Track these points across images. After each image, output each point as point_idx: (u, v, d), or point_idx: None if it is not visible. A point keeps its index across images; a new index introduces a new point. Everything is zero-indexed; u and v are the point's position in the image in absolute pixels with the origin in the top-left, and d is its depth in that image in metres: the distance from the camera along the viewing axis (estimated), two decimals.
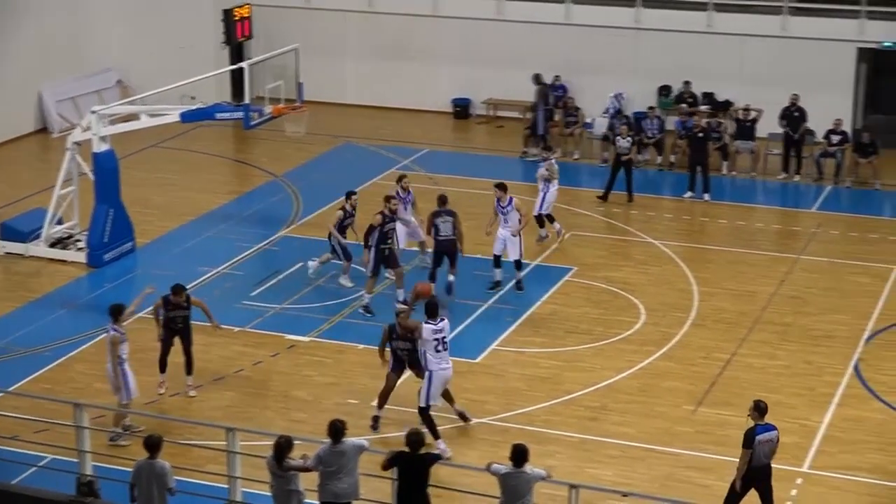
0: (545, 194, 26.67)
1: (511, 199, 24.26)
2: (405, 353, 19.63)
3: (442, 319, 18.93)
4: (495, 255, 24.52)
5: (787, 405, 20.24)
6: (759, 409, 16.37)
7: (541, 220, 26.74)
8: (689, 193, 30.02)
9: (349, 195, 25.05)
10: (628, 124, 31.24)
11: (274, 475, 15.48)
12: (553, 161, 27.03)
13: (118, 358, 18.94)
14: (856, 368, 21.72)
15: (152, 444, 15.50)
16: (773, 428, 16.40)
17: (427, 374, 18.94)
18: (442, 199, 24.21)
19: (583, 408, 20.39)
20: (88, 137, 26.13)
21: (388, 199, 24.09)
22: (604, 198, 29.64)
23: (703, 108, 33.89)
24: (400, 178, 25.81)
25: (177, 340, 20.70)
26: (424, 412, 18.96)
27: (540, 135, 32.60)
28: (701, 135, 30.21)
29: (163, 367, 20.78)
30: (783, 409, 19.99)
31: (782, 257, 26.67)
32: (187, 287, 24.56)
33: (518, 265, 24.44)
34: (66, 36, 35.71)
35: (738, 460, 16.39)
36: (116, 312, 19.16)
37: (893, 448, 19.21)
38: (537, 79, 33.50)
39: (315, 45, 35.27)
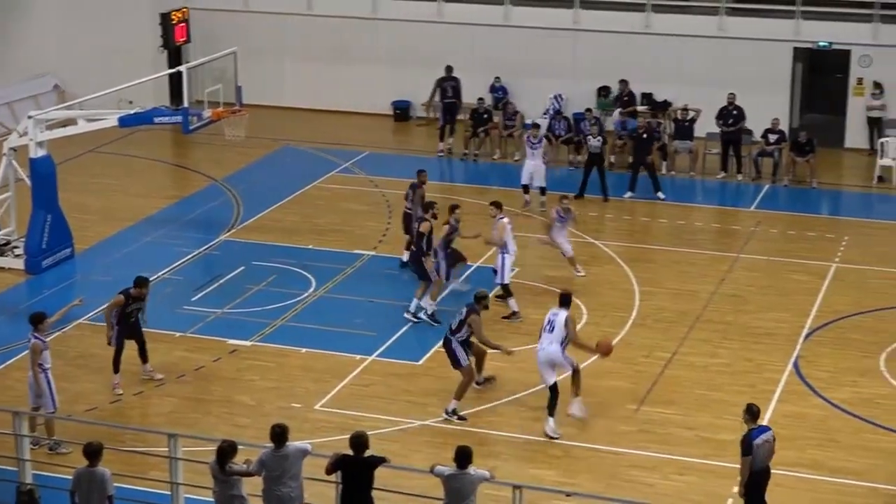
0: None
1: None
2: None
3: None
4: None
5: (729, 403, 20.36)
6: (752, 412, 16.27)
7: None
8: (629, 193, 30.15)
9: (453, 208, 24.02)
10: (598, 124, 31.37)
11: (217, 480, 15.41)
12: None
13: (39, 366, 18.76)
14: (795, 365, 21.91)
15: (92, 452, 15.37)
16: (768, 429, 16.40)
17: None
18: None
19: (526, 408, 20.42)
20: (25, 143, 25.88)
21: (452, 208, 24.02)
22: (579, 196, 29.75)
23: (640, 108, 34.10)
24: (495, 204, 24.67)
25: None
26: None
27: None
28: (645, 136, 30.33)
29: (117, 367, 20.79)
30: (725, 407, 20.15)
31: (722, 256, 26.85)
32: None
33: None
34: (3, 40, 35.38)
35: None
36: (38, 321, 19.00)
37: (833, 444, 19.40)
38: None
39: (254, 48, 35.17)
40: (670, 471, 18.62)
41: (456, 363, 20.21)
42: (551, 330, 19.68)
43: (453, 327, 20.25)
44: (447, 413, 20.13)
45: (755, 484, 16.28)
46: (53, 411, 18.90)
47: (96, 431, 18.19)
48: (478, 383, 20.82)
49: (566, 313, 19.76)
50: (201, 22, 36.91)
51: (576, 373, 19.80)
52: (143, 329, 21.22)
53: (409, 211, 25.62)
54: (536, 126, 30.30)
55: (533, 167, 29.32)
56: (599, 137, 30.11)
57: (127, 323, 20.80)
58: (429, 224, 23.45)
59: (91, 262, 26.58)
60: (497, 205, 24.15)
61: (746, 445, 16.10)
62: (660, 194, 30.06)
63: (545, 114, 34.22)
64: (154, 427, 19.34)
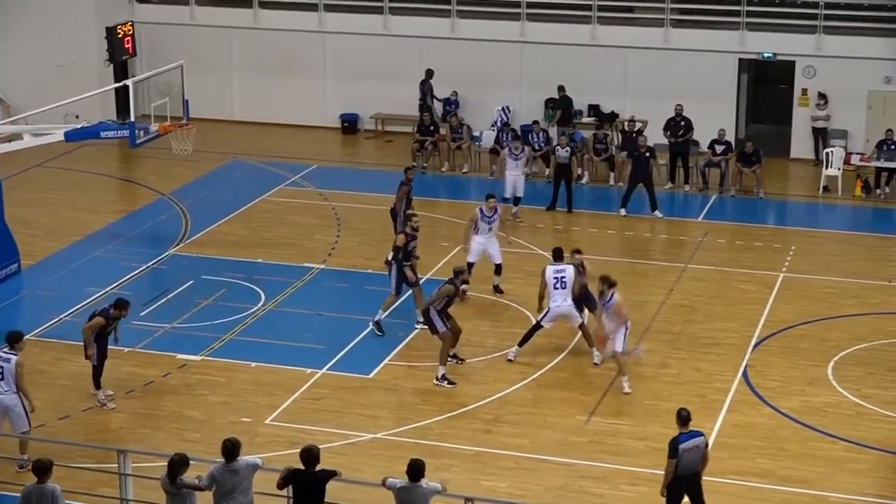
0: None
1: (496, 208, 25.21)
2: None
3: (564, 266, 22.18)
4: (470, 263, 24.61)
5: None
6: (681, 417, 16.53)
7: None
8: (623, 211, 30.06)
9: (409, 217, 24.19)
10: (566, 134, 31.41)
11: (168, 494, 15.34)
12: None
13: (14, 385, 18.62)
14: (744, 375, 22.04)
15: (41, 469, 15.28)
16: (699, 434, 16.54)
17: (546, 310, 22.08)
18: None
19: (477, 420, 20.44)
20: None
21: (409, 217, 24.09)
22: (551, 208, 29.89)
23: (586, 120, 34.27)
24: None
25: None
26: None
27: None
28: (648, 154, 29.97)
29: (98, 383, 20.83)
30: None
31: (670, 266, 27.00)
32: (76, 308, 24.39)
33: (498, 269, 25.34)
34: None
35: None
36: (16, 339, 18.93)
37: (782, 452, 19.52)
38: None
39: (200, 62, 35.03)
40: (621, 481, 18.68)
41: (433, 330, 21.71)
42: (563, 286, 22.14)
43: (431, 298, 21.86)
44: (437, 379, 21.47)
45: (677, 487, 16.46)
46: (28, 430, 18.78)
47: (45, 448, 18.05)
48: (450, 356, 21.90)
49: (571, 266, 22.18)
50: (147, 35, 36.78)
51: (582, 325, 22.41)
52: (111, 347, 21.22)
53: (394, 207, 26.34)
54: (518, 137, 30.74)
55: (514, 178, 29.37)
56: (568, 149, 30.11)
57: (102, 341, 20.80)
58: (403, 237, 23.47)
59: (38, 277, 26.38)
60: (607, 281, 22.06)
61: (672, 448, 16.32)
62: (657, 213, 29.95)
63: (493, 126, 34.30)
64: (103, 443, 19.21)
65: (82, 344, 20.79)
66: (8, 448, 18.83)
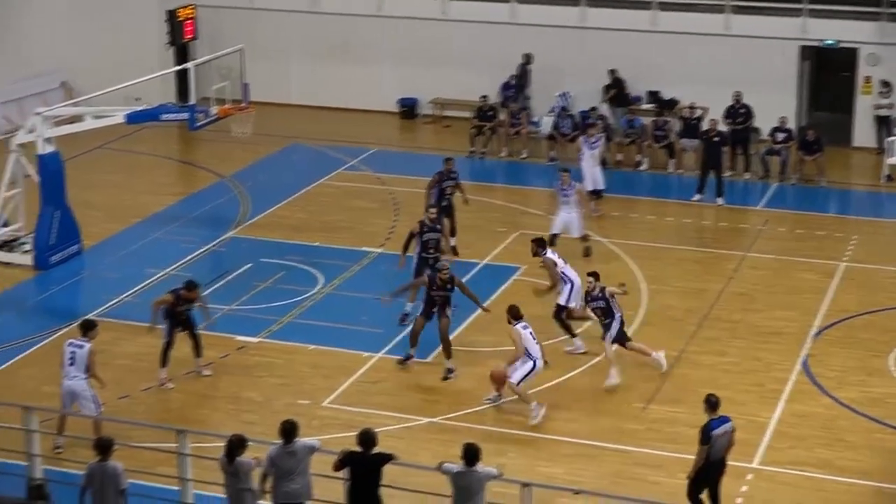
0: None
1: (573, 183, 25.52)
2: (440, 298, 21.44)
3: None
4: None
5: (737, 402, 20.33)
6: (710, 403, 16.55)
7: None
8: (697, 196, 29.93)
9: (427, 209, 24.36)
10: (630, 124, 31.26)
11: (227, 474, 15.44)
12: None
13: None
14: (804, 364, 21.89)
15: (103, 447, 15.44)
16: (728, 420, 16.54)
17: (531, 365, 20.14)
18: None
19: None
20: (33, 139, 25.91)
21: (427, 208, 24.11)
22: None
23: (645, 106, 34.12)
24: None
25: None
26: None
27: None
28: (717, 139, 29.94)
29: (165, 361, 21.07)
30: (733, 406, 20.01)
31: (730, 254, 26.83)
32: (136, 289, 24.60)
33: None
34: (9, 37, 35.39)
35: (692, 456, 16.48)
36: (90, 327, 19.07)
37: (841, 443, 19.38)
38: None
39: (260, 46, 35.13)
40: (677, 469, 18.54)
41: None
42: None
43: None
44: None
45: (705, 473, 16.46)
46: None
47: (106, 427, 18.21)
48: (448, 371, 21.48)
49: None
50: (208, 19, 36.93)
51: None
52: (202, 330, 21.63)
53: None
54: (594, 124, 30.18)
55: (592, 170, 28.71)
56: (602, 135, 30.00)
57: (178, 319, 21.03)
58: (419, 225, 23.59)
59: (99, 258, 26.61)
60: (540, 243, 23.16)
61: (705, 435, 16.31)
62: (719, 200, 29.78)
63: (551, 112, 34.19)
64: (163, 423, 19.35)
65: (143, 323, 20.98)
66: (76, 428, 19.00)
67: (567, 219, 25.61)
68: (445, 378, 21.37)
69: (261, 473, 15.47)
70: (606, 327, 21.15)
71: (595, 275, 21.53)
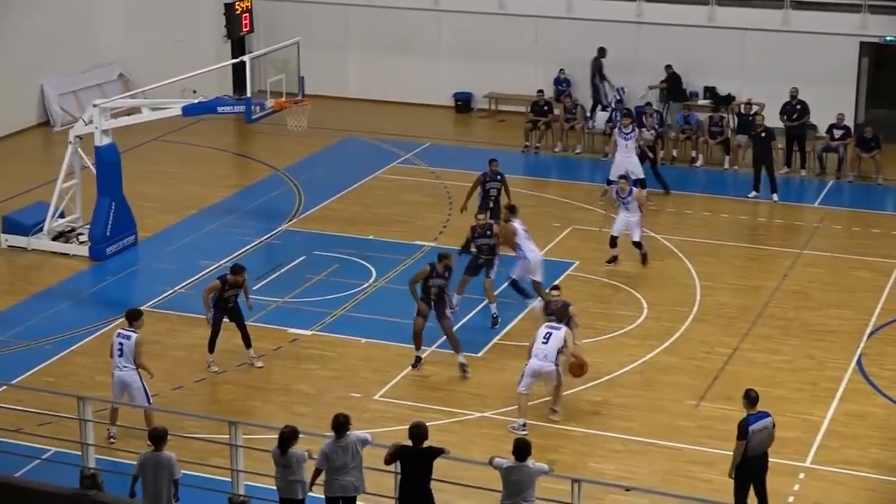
0: None
1: (631, 189, 25.14)
2: (436, 291, 21.15)
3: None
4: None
5: (790, 400, 20.25)
6: (749, 398, 16.44)
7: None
8: (753, 193, 29.79)
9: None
10: (686, 120, 31.06)
11: (279, 466, 15.51)
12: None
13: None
14: (858, 363, 21.71)
15: (158, 437, 15.54)
16: (767, 415, 16.42)
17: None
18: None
19: (585, 402, 20.39)
20: (90, 131, 26.13)
21: (475, 214, 24.00)
22: (667, 193, 29.73)
23: (702, 102, 33.94)
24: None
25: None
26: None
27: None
28: (763, 134, 29.78)
29: (212, 346, 21.28)
30: (786, 404, 20.00)
31: (785, 252, 26.65)
32: (191, 280, 24.77)
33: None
34: (68, 29, 35.67)
35: (772, 458, 16.43)
36: (135, 317, 19.16)
37: (895, 443, 19.20)
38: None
39: (316, 39, 35.26)
40: (729, 467, 18.49)
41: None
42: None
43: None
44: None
45: (746, 469, 16.35)
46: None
47: (158, 418, 18.34)
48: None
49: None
50: (265, 12, 37.08)
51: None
52: (247, 316, 21.77)
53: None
54: (629, 114, 29.89)
55: (623, 160, 28.47)
56: (652, 130, 29.82)
57: (225, 307, 21.16)
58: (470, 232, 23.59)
59: (154, 249, 26.79)
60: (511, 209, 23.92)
61: (742, 430, 16.20)
62: (774, 196, 29.60)
63: (606, 107, 34.08)
64: (215, 414, 19.47)
65: (202, 315, 21.13)
66: (128, 418, 19.16)
67: (627, 221, 25.23)
68: (463, 375, 21.24)
69: (314, 468, 15.51)
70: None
71: (557, 288, 21.15)
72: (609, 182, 28.68)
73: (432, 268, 21.29)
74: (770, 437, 16.47)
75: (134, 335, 18.83)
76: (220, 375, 21.26)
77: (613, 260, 25.37)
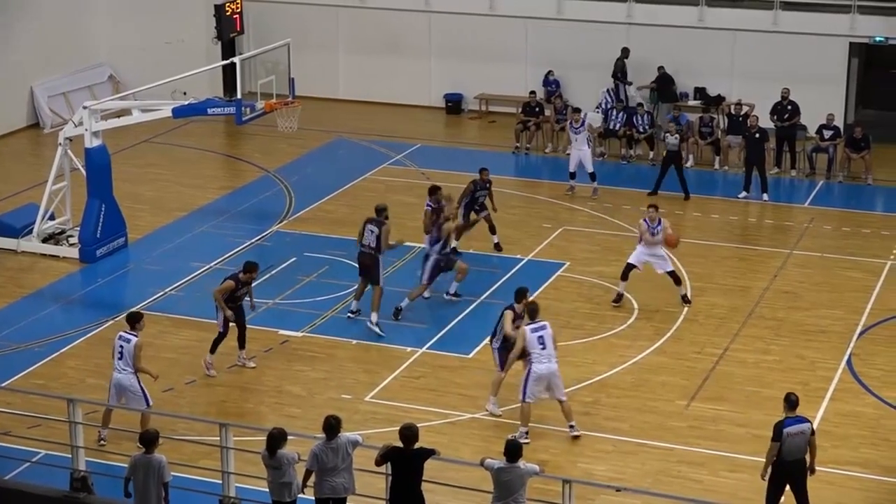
0: None
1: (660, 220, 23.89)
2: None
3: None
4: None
5: (781, 400, 20.16)
6: (789, 401, 16.41)
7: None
8: (743, 193, 29.86)
9: (380, 210, 23.43)
10: (676, 120, 31.05)
11: (269, 468, 15.50)
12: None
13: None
14: (848, 363, 21.75)
15: (149, 439, 15.53)
16: (804, 420, 16.36)
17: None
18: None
19: (576, 403, 20.33)
20: (80, 133, 26.08)
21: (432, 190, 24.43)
22: (653, 193, 29.51)
23: (692, 103, 33.96)
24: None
25: None
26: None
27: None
28: (757, 135, 29.82)
29: (215, 348, 21.24)
30: (777, 404, 19.81)
31: (775, 252, 26.68)
32: (181, 282, 24.73)
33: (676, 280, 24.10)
34: (58, 31, 35.62)
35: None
36: (136, 319, 19.12)
37: (886, 443, 19.26)
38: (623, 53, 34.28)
39: (307, 41, 35.29)
40: (721, 467, 18.55)
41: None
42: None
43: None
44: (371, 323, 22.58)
45: (780, 474, 16.28)
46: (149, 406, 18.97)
47: (149, 420, 18.31)
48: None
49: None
50: (255, 13, 37.10)
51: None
52: (248, 316, 21.79)
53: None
54: (577, 111, 30.42)
55: (580, 154, 29.51)
56: (677, 136, 29.73)
57: (232, 308, 21.09)
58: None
59: (144, 251, 26.76)
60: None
61: (777, 431, 16.18)
62: (765, 196, 29.67)
63: (598, 108, 34.11)
64: (205, 416, 19.46)
65: (194, 318, 21.06)
66: (119, 421, 19.13)
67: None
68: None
69: (305, 469, 15.51)
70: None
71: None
72: (572, 175, 29.58)
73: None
74: (807, 442, 16.31)
75: (134, 338, 18.77)
76: (211, 377, 21.21)
77: (619, 299, 24.00)
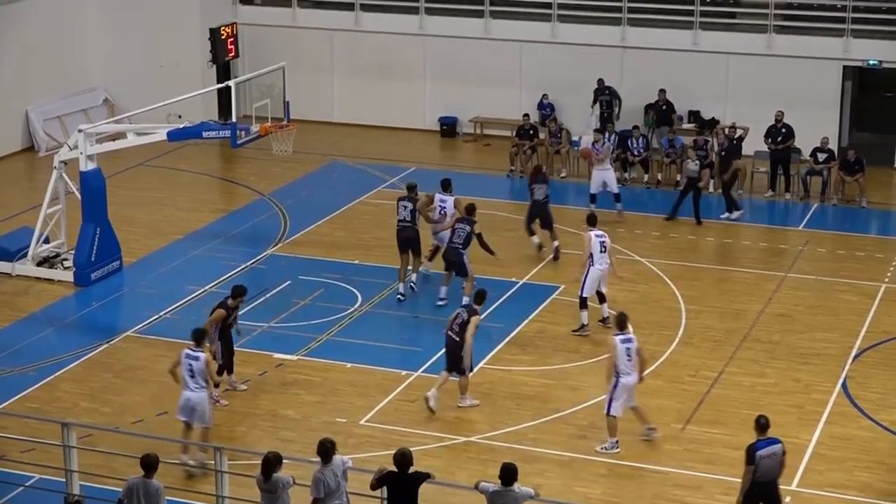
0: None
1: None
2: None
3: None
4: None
5: (776, 423, 20.00)
6: (759, 424, 16.52)
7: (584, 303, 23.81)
8: (726, 214, 30.17)
9: (411, 188, 25.79)
10: (695, 146, 31.01)
11: (263, 492, 15.45)
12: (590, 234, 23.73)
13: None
14: (844, 386, 21.74)
15: (149, 464, 15.46)
16: (777, 441, 16.46)
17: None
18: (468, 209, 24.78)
19: (571, 426, 20.37)
20: (75, 156, 26.09)
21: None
22: (671, 218, 29.61)
23: (686, 126, 34.02)
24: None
25: None
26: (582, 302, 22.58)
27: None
28: (723, 153, 30.00)
29: (222, 371, 21.10)
30: (772, 427, 19.93)
31: (770, 275, 26.70)
32: (176, 305, 24.72)
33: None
34: (53, 54, 35.68)
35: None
36: (202, 336, 19.12)
37: (881, 466, 19.24)
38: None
39: (302, 64, 35.36)
40: (716, 491, 18.52)
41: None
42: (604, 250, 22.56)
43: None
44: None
45: (754, 496, 16.37)
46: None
47: (143, 444, 18.27)
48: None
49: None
50: (250, 37, 37.17)
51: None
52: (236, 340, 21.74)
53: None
54: (599, 131, 30.80)
55: (603, 175, 29.67)
56: (697, 162, 29.66)
57: (224, 336, 21.01)
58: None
59: (139, 274, 26.73)
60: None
61: (750, 455, 16.26)
62: (727, 214, 29.92)
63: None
64: (200, 440, 19.40)
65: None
66: (113, 444, 19.07)
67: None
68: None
69: (312, 498, 15.36)
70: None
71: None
72: (593, 198, 29.65)
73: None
74: (780, 463, 16.43)
75: (203, 355, 18.80)
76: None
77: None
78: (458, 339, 20.51)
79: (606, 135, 31.25)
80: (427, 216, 25.47)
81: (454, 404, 21.03)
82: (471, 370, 20.86)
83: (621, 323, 19.66)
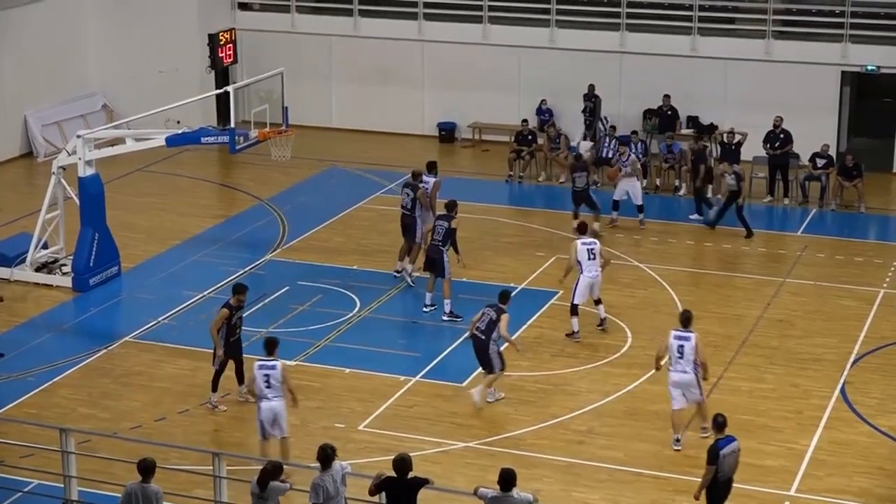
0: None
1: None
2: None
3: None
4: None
5: (775, 428, 20.25)
6: (717, 423, 16.77)
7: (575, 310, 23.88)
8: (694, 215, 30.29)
9: (416, 175, 26.52)
10: (728, 160, 30.82)
11: (255, 497, 15.42)
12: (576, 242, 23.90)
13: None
14: (842, 391, 21.73)
15: (146, 468, 15.45)
16: (734, 439, 16.74)
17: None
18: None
19: (570, 431, 20.36)
20: (74, 162, 26.09)
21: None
22: (711, 227, 29.57)
23: (684, 131, 34.01)
24: None
25: None
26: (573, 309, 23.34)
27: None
28: (693, 158, 30.14)
29: (216, 385, 20.99)
30: (770, 433, 20.03)
31: (768, 280, 26.70)
32: (174, 311, 24.69)
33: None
34: (52, 60, 35.67)
35: (736, 484, 16.42)
36: (276, 344, 19.06)
37: (880, 472, 19.22)
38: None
39: (300, 70, 35.36)
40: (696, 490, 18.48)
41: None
42: (593, 258, 23.13)
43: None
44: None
45: (715, 494, 16.61)
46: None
47: (141, 449, 18.25)
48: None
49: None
50: (249, 43, 37.15)
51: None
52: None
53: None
54: (624, 143, 30.92)
55: (627, 185, 29.72)
56: (734, 175, 29.11)
57: (230, 340, 20.85)
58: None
59: (137, 280, 26.72)
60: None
61: (713, 454, 16.48)
62: (692, 216, 30.07)
63: (586, 136, 34.17)
64: (198, 446, 19.39)
65: (187, 347, 20.93)
66: (112, 450, 19.06)
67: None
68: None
69: None
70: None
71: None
72: (615, 205, 29.74)
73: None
74: (736, 461, 16.73)
75: (279, 363, 18.76)
76: (204, 406, 21.14)
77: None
78: (483, 337, 20.71)
79: (631, 145, 31.11)
80: (426, 205, 26.14)
81: (453, 410, 21.01)
82: (501, 369, 21.04)
83: (686, 321, 19.80)
